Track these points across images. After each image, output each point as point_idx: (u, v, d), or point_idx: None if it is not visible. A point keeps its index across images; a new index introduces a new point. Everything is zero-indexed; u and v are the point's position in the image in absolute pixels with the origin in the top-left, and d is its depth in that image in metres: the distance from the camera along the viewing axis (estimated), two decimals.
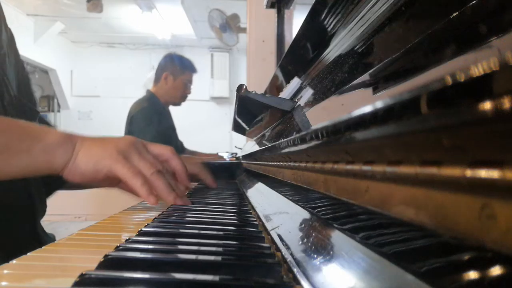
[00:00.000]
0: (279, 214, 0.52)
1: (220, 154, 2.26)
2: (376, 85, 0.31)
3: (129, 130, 2.29)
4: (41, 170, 0.58)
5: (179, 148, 2.41)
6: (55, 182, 0.82)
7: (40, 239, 0.78)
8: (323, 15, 0.52)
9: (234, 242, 0.41)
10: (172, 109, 2.49)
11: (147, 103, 2.31)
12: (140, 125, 2.25)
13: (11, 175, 0.56)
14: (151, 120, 2.25)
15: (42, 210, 0.80)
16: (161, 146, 0.71)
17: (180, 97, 2.41)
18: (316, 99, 0.52)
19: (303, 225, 0.39)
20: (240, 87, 0.65)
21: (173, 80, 2.35)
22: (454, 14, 0.22)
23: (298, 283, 0.28)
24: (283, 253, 0.35)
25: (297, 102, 0.59)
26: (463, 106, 0.12)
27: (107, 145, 0.61)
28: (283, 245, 0.37)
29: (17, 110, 0.71)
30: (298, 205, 0.46)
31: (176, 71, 2.36)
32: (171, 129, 2.42)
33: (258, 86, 1.19)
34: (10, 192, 0.68)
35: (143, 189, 0.59)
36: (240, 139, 1.86)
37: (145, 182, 0.60)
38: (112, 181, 0.65)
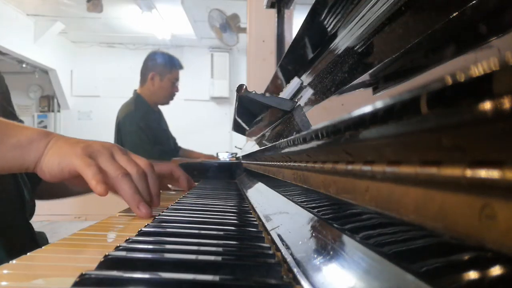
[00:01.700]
0: (279, 214, 0.52)
1: (220, 154, 2.25)
2: (376, 85, 0.31)
3: (117, 137, 2.24)
4: (12, 167, 0.57)
5: (172, 148, 2.37)
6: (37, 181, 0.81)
7: (31, 230, 0.80)
8: (323, 15, 0.52)
9: (234, 242, 0.41)
10: (172, 109, 2.47)
11: (133, 107, 2.24)
12: (128, 131, 2.19)
13: None
14: (139, 125, 2.18)
15: (30, 201, 0.80)
16: (136, 156, 0.65)
17: (169, 96, 2.33)
18: (316, 99, 0.52)
19: (303, 225, 0.39)
20: (240, 87, 0.65)
21: (160, 80, 2.27)
22: (454, 14, 0.22)
23: (298, 283, 0.28)
24: (283, 253, 0.35)
25: (297, 102, 0.59)
26: (463, 106, 0.12)
27: (77, 144, 0.59)
28: (283, 245, 0.37)
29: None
30: (298, 205, 0.46)
31: (163, 70, 2.28)
32: (161, 130, 2.35)
33: (258, 86, 1.19)
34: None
35: (94, 180, 0.54)
36: (240, 139, 1.86)
37: (98, 172, 0.55)
38: (74, 180, 0.60)
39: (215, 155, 2.31)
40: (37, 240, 0.82)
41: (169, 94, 2.32)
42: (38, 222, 0.91)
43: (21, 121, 0.85)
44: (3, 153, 0.55)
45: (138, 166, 0.60)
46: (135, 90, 2.34)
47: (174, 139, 2.48)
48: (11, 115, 0.82)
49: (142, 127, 2.19)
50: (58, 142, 0.59)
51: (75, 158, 0.56)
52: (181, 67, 2.38)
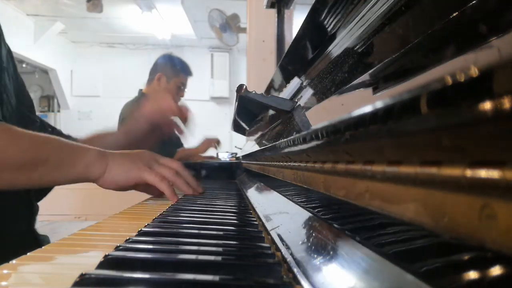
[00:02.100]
0: (279, 214, 0.52)
1: (220, 154, 2.24)
2: (376, 85, 0.31)
3: None
4: (80, 180, 0.73)
5: (176, 145, 2.36)
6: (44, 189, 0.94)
7: (37, 236, 0.84)
8: (323, 15, 0.52)
9: (234, 242, 0.41)
10: None
11: (137, 105, 2.26)
12: None
13: (61, 183, 0.72)
14: None
15: (37, 210, 0.91)
16: (169, 159, 0.85)
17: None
18: (316, 99, 0.52)
19: (303, 225, 0.39)
20: (240, 87, 0.65)
21: (166, 82, 2.26)
22: (454, 14, 0.22)
23: (298, 283, 0.28)
24: (283, 253, 0.35)
25: (297, 102, 0.59)
26: (463, 106, 0.12)
27: (133, 159, 0.78)
28: (283, 245, 0.37)
29: (18, 121, 0.80)
30: (298, 205, 0.46)
31: (171, 73, 2.27)
32: None
33: (258, 86, 1.19)
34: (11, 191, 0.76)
35: (168, 190, 0.77)
36: (240, 139, 1.86)
37: (169, 185, 0.77)
38: (138, 186, 0.80)
39: (215, 155, 2.31)
40: (42, 245, 0.82)
41: (173, 98, 2.31)
42: (38, 222, 0.92)
43: (39, 118, 0.97)
44: (77, 170, 0.71)
45: (175, 167, 0.82)
46: (140, 90, 2.34)
47: (178, 137, 2.47)
48: (29, 119, 0.91)
49: None
50: (116, 159, 0.76)
51: (142, 172, 0.75)
52: (190, 73, 2.37)
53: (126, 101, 2.35)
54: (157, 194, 0.85)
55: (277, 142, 0.47)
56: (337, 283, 0.25)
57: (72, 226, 2.46)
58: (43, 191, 0.94)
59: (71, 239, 0.44)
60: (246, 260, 0.35)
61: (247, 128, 1.27)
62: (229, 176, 1.51)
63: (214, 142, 2.26)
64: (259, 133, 0.98)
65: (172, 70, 2.29)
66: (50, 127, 1.03)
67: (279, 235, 0.41)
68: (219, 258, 0.35)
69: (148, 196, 0.89)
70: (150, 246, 0.38)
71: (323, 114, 0.46)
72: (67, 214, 2.44)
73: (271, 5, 1.59)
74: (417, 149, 0.17)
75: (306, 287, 0.27)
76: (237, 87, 0.66)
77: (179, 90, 2.31)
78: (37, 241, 0.84)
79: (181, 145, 2.34)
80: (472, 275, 0.15)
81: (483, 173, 0.13)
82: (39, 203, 0.90)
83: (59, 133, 1.03)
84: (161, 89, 2.27)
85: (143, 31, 5.21)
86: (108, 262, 0.31)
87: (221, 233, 0.45)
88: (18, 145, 0.65)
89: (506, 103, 0.11)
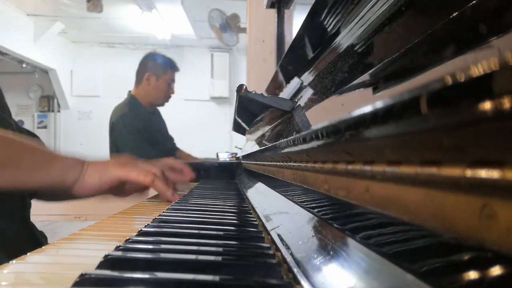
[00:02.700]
0: (279, 214, 0.52)
1: (220, 154, 2.24)
2: (376, 85, 0.31)
3: (112, 139, 2.22)
4: (56, 185, 0.71)
5: (168, 149, 2.35)
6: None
7: (33, 231, 0.85)
8: (323, 15, 0.52)
9: (234, 242, 0.41)
10: (171, 109, 2.45)
11: (127, 108, 2.21)
12: (122, 132, 2.17)
13: (33, 186, 0.70)
14: (132, 126, 2.16)
15: (29, 205, 0.90)
16: (148, 163, 0.83)
17: (164, 97, 2.29)
18: (316, 99, 0.52)
19: (303, 225, 0.39)
20: (240, 87, 0.65)
21: (156, 81, 2.24)
22: (454, 14, 0.22)
23: (298, 283, 0.28)
24: (283, 253, 0.35)
25: (297, 102, 0.59)
26: (463, 106, 0.12)
27: (109, 162, 0.77)
28: (283, 245, 0.37)
29: None
30: (298, 205, 0.46)
31: (159, 71, 2.25)
32: (156, 131, 2.32)
33: (258, 86, 1.19)
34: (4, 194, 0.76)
35: (146, 178, 0.75)
36: (240, 139, 1.86)
37: (140, 171, 0.75)
38: (113, 189, 0.78)
39: (215, 155, 2.30)
40: (38, 240, 0.83)
41: (164, 95, 2.29)
42: (38, 222, 0.92)
43: (14, 122, 0.92)
44: (52, 175, 0.69)
45: (153, 170, 0.79)
46: (129, 91, 2.31)
47: (171, 140, 2.46)
48: (3, 121, 0.88)
49: (135, 128, 2.16)
50: (91, 165, 0.74)
51: (115, 170, 0.74)
52: (177, 69, 2.35)
53: (116, 104, 2.33)
54: (133, 193, 0.83)
55: (277, 142, 0.47)
56: (337, 283, 0.25)
57: (72, 226, 2.46)
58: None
59: (71, 239, 0.44)
60: (246, 260, 0.35)
61: (247, 128, 1.27)
62: (229, 176, 1.51)
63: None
64: (259, 133, 0.98)
65: (159, 68, 2.27)
66: (28, 132, 1.01)
67: (279, 235, 0.41)
68: (219, 258, 0.35)
69: (148, 196, 0.89)
70: (150, 246, 0.38)
71: (323, 114, 0.46)
72: (67, 214, 2.44)
73: (271, 5, 1.59)
74: (417, 149, 0.17)
75: (306, 287, 0.27)
76: (237, 87, 0.66)
77: (169, 87, 2.29)
78: (32, 237, 0.85)
79: (173, 154, 2.33)
80: (472, 275, 0.15)
81: (483, 173, 0.13)
82: (38, 203, 0.90)
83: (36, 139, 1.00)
84: (151, 88, 2.25)
85: (143, 31, 5.21)
86: (108, 262, 0.31)
87: (221, 233, 0.45)
88: None
89: (506, 103, 0.11)
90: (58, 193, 0.89)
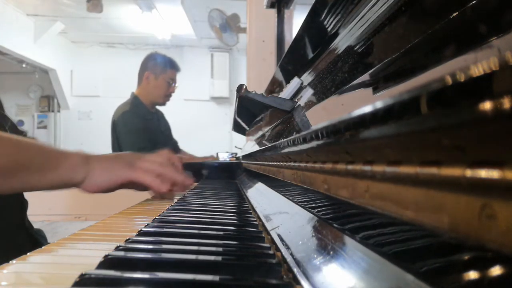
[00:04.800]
0: (279, 214, 0.52)
1: (220, 154, 2.24)
2: (376, 85, 0.31)
3: (114, 137, 2.23)
4: (65, 184, 0.71)
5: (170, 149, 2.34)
6: None
7: (30, 231, 0.86)
8: (323, 15, 0.52)
9: (234, 242, 0.41)
10: (172, 109, 2.46)
11: (129, 107, 2.24)
12: (122, 131, 2.18)
13: (43, 187, 0.69)
14: (134, 125, 2.18)
15: (27, 204, 0.90)
16: (154, 154, 0.84)
17: (164, 96, 2.31)
18: (316, 99, 0.52)
19: (303, 225, 0.39)
20: (240, 87, 0.65)
21: (155, 79, 2.26)
22: (454, 14, 0.22)
23: (298, 283, 0.28)
24: (283, 253, 0.35)
25: (297, 102, 0.59)
26: (463, 106, 0.12)
27: (116, 160, 0.77)
28: (283, 245, 0.37)
29: None
30: (298, 205, 0.46)
31: (157, 70, 2.27)
32: (158, 131, 2.33)
33: (258, 86, 1.19)
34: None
35: (154, 182, 0.76)
36: (240, 139, 1.86)
37: (154, 177, 0.76)
38: (123, 186, 0.79)
39: (215, 155, 2.30)
40: (37, 239, 0.83)
41: (164, 94, 2.30)
42: (38, 222, 0.92)
43: (13, 123, 0.93)
44: (60, 175, 0.69)
45: (158, 160, 0.80)
46: (133, 92, 2.34)
47: (175, 142, 2.47)
48: (7, 121, 0.89)
49: (136, 127, 2.18)
50: (99, 162, 0.74)
51: (124, 171, 0.75)
52: (178, 68, 2.37)
53: (119, 104, 2.34)
54: (143, 188, 0.83)
55: (277, 142, 0.47)
56: (337, 283, 0.25)
57: (72, 226, 2.46)
58: None
59: (71, 239, 0.44)
60: (246, 260, 0.35)
61: (247, 128, 1.27)
62: (229, 176, 1.51)
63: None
64: (259, 133, 0.98)
65: (158, 67, 2.29)
66: (22, 132, 1.01)
67: (279, 235, 0.41)
68: (219, 258, 0.35)
69: (147, 196, 0.89)
70: (150, 246, 0.38)
71: (323, 114, 0.46)
72: (67, 214, 2.44)
73: (271, 5, 1.59)
74: (417, 149, 0.17)
75: (306, 287, 0.27)
76: (237, 87, 0.66)
77: (169, 85, 2.30)
78: (30, 236, 0.85)
79: (175, 152, 2.33)
80: (472, 275, 0.15)
81: (483, 173, 0.13)
82: (38, 203, 0.90)
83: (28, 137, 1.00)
84: (151, 87, 2.27)
85: (143, 31, 5.21)
86: (108, 262, 0.31)
87: (221, 233, 0.45)
88: None
89: (506, 103, 0.11)
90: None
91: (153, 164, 0.78)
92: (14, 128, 0.94)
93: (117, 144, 2.21)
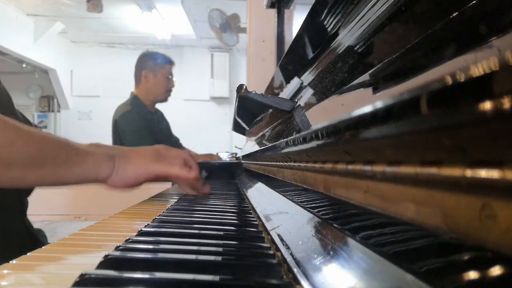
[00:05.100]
0: (279, 214, 0.52)
1: (220, 154, 2.24)
2: (376, 85, 0.31)
3: (115, 137, 2.24)
4: (89, 180, 0.71)
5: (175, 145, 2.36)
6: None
7: (31, 231, 0.86)
8: (323, 15, 0.52)
9: (234, 242, 0.41)
10: (172, 109, 2.46)
11: (130, 107, 2.25)
12: (126, 131, 2.19)
13: (68, 182, 0.69)
14: (137, 125, 2.19)
15: (27, 205, 0.90)
16: (177, 150, 0.87)
17: (165, 92, 2.32)
18: (316, 99, 0.52)
19: (303, 225, 0.39)
20: (240, 87, 0.65)
21: (153, 77, 2.27)
22: (454, 14, 0.22)
23: (298, 283, 0.28)
24: (283, 253, 0.35)
25: (297, 102, 0.59)
26: (463, 106, 0.12)
27: (144, 155, 0.78)
28: (283, 245, 0.37)
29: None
30: (298, 205, 0.46)
31: (155, 67, 2.28)
32: (158, 131, 2.34)
33: (258, 86, 1.19)
34: (3, 190, 0.77)
35: (180, 171, 0.79)
36: (240, 139, 1.86)
37: (180, 167, 0.79)
38: (149, 180, 0.79)
39: (215, 155, 2.30)
40: (37, 240, 0.83)
41: (165, 89, 2.31)
42: (38, 222, 0.92)
43: (28, 123, 0.93)
44: (85, 170, 0.69)
45: (183, 156, 0.84)
46: (132, 92, 2.34)
47: (176, 140, 2.47)
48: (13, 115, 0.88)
49: (138, 126, 2.19)
50: (124, 158, 0.75)
51: (153, 166, 0.76)
52: (173, 62, 2.38)
53: (120, 103, 2.35)
54: (165, 179, 0.85)
55: (277, 142, 0.47)
56: (337, 283, 0.25)
57: (72, 226, 2.46)
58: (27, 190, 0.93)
59: (71, 239, 0.44)
60: (246, 260, 0.35)
61: (247, 128, 1.27)
62: (229, 176, 1.51)
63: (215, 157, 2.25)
64: (259, 133, 0.98)
65: (155, 64, 2.30)
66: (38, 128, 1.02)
67: (279, 235, 0.41)
68: (219, 258, 0.35)
69: (148, 196, 0.89)
70: (150, 246, 0.38)
71: (323, 114, 0.46)
72: (67, 214, 2.44)
73: (271, 5, 1.59)
74: (417, 149, 0.17)
75: (306, 287, 0.27)
76: (237, 87, 0.66)
77: (168, 80, 2.31)
78: (30, 236, 0.85)
79: (180, 147, 2.34)
80: (472, 275, 0.15)
81: (483, 173, 0.13)
82: (38, 203, 0.91)
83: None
84: (151, 84, 2.28)
85: (143, 31, 5.21)
86: (108, 262, 0.31)
87: (221, 233, 0.45)
88: (25, 141, 0.63)
89: (506, 103, 0.11)
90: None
91: (179, 161, 0.81)
92: (29, 125, 0.94)
93: (120, 143, 2.21)
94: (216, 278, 0.29)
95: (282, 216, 0.49)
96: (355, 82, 0.37)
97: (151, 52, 2.42)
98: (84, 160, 0.69)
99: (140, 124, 2.20)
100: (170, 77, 2.32)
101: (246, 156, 1.14)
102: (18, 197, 0.85)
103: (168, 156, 0.81)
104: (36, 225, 0.90)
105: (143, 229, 0.45)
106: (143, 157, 0.77)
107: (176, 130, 2.56)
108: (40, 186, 0.77)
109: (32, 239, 0.84)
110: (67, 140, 0.72)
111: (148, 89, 2.29)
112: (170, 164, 0.78)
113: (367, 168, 0.22)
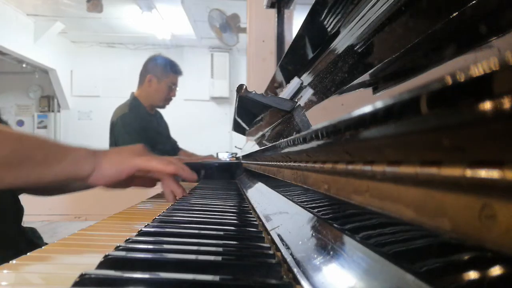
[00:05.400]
0: (279, 214, 0.52)
1: (220, 154, 2.24)
2: (376, 85, 0.31)
3: (112, 138, 2.24)
4: (69, 178, 0.71)
5: (168, 150, 2.35)
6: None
7: (26, 234, 0.86)
8: (323, 15, 0.52)
9: (234, 242, 0.41)
10: (172, 109, 2.46)
11: (128, 109, 2.24)
12: (121, 132, 2.19)
13: (47, 181, 0.69)
14: (132, 126, 2.18)
15: (23, 209, 0.91)
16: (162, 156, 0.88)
17: (164, 99, 2.31)
18: (316, 99, 0.52)
19: (303, 225, 0.39)
20: (240, 87, 0.65)
21: (157, 83, 2.26)
22: (454, 14, 0.22)
23: (298, 283, 0.28)
24: (283, 253, 0.35)
25: (297, 102, 0.59)
26: (463, 106, 0.12)
27: (124, 151, 0.78)
28: (283, 245, 0.37)
29: None
30: (298, 205, 0.46)
31: (160, 74, 2.27)
32: (156, 133, 2.33)
33: (258, 86, 1.19)
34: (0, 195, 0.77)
35: (166, 166, 0.79)
36: (240, 139, 1.86)
37: (159, 161, 0.79)
38: (134, 181, 0.82)
39: (215, 155, 2.30)
40: (33, 243, 0.83)
41: (165, 98, 2.30)
42: (38, 222, 0.92)
43: (3, 122, 0.92)
44: (64, 168, 0.69)
45: (168, 158, 0.85)
46: (132, 93, 2.33)
47: (174, 142, 2.47)
48: None
49: (134, 129, 2.17)
50: (106, 155, 0.75)
51: (133, 159, 0.75)
52: (180, 72, 2.36)
53: (119, 104, 2.34)
54: (154, 184, 0.86)
55: (277, 142, 0.47)
56: (337, 283, 0.25)
57: (72, 226, 2.46)
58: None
59: (71, 239, 0.44)
60: (246, 260, 0.35)
61: (247, 128, 1.27)
62: (229, 176, 1.51)
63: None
64: (259, 133, 0.98)
65: (161, 71, 2.29)
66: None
67: (279, 235, 0.41)
68: (219, 258, 0.35)
69: (148, 196, 0.89)
70: (150, 246, 0.38)
71: (323, 114, 0.46)
72: (67, 214, 2.44)
73: (271, 5, 1.59)
74: (417, 149, 0.17)
75: (306, 287, 0.27)
76: (237, 87, 0.66)
77: (170, 89, 2.30)
78: (27, 238, 0.85)
79: (174, 152, 2.33)
80: (472, 275, 0.15)
81: (483, 173, 0.13)
82: (38, 203, 0.90)
83: None
84: (152, 90, 2.26)
85: (143, 31, 5.21)
86: (108, 262, 0.31)
87: (221, 233, 0.45)
88: (1, 142, 0.62)
89: (506, 103, 0.11)
90: (49, 188, 0.90)
91: (162, 160, 0.81)
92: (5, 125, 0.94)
93: (115, 145, 2.21)
94: (216, 278, 0.29)
95: (282, 216, 0.49)
96: (355, 82, 0.37)
97: (161, 56, 2.38)
98: (63, 158, 0.69)
99: (137, 127, 2.19)
100: (173, 86, 2.30)
101: (246, 156, 1.14)
102: (15, 204, 0.85)
103: (147, 153, 0.81)
104: (36, 225, 0.89)
105: (143, 229, 0.45)
106: (124, 152, 0.78)
107: (176, 130, 2.56)
108: (21, 187, 0.76)
109: (27, 241, 0.84)
110: (46, 138, 0.72)
111: (148, 93, 2.28)
112: (150, 158, 0.78)
113: (367, 168, 0.22)
